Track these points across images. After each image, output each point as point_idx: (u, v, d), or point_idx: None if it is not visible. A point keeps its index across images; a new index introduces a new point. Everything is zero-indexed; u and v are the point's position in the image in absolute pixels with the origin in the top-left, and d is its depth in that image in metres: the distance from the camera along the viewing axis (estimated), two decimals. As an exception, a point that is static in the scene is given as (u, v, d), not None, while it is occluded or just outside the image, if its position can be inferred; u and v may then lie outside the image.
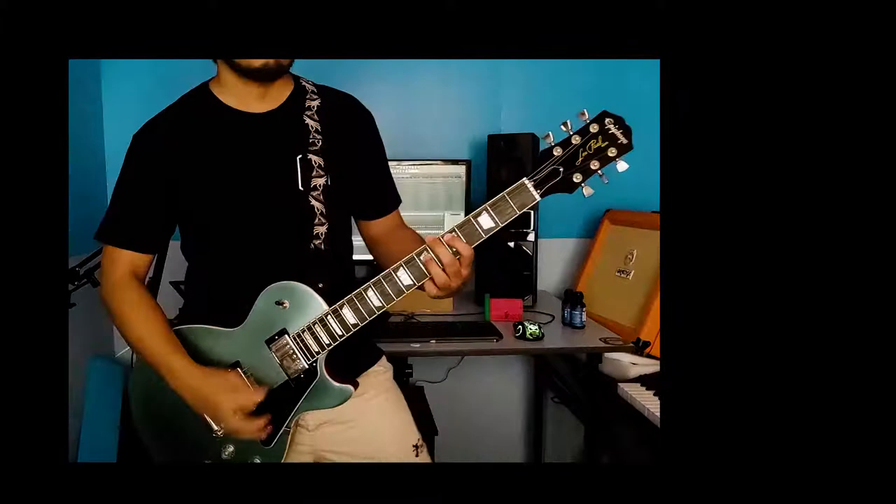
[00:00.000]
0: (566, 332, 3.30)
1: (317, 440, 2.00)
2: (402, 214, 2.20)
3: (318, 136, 1.92)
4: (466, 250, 1.69)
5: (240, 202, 1.88)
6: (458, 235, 1.69)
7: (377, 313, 1.78)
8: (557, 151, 1.68)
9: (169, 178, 1.87)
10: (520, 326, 3.11)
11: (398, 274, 1.73)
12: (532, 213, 3.78)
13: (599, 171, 1.66)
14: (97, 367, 3.71)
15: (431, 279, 1.72)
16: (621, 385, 3.04)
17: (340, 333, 1.79)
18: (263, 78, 1.84)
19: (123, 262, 1.95)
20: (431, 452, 2.77)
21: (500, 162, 3.72)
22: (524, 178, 1.68)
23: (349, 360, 1.94)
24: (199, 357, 1.87)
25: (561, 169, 1.67)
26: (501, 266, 3.67)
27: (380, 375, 2.15)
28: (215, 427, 1.86)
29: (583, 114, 1.72)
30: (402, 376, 2.99)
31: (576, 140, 1.68)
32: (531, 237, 3.73)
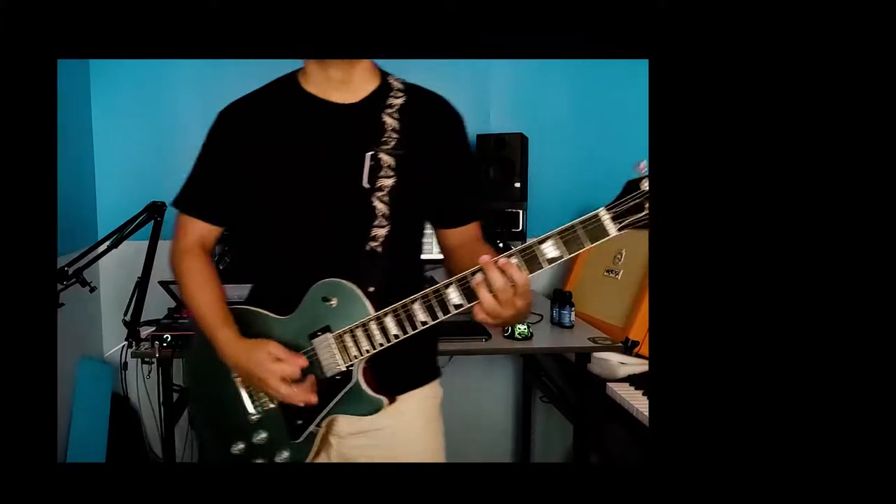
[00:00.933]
0: (555, 332, 3.31)
1: (342, 448, 1.95)
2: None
3: (395, 136, 1.85)
4: (521, 279, 1.56)
5: (301, 190, 1.85)
6: (515, 261, 1.57)
7: (421, 328, 1.69)
8: (646, 185, 1.48)
9: (244, 156, 1.86)
10: (508, 326, 3.11)
11: (448, 291, 1.63)
12: (521, 212, 3.79)
13: None
14: (86, 367, 3.71)
15: (480, 304, 1.59)
16: (610, 385, 3.05)
17: (381, 342, 1.72)
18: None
19: (194, 232, 1.97)
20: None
21: (489, 161, 3.73)
22: (601, 209, 1.53)
23: (395, 373, 1.85)
24: (250, 337, 1.85)
25: (647, 205, 1.48)
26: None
27: (427, 399, 2.05)
28: (251, 410, 1.88)
29: None
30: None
31: None
32: (520, 237, 3.74)
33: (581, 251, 1.54)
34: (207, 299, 1.91)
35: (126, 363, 3.48)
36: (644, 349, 3.15)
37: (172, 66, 3.91)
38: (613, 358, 3.16)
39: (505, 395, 4.41)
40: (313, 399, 1.78)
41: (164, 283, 3.43)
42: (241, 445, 1.92)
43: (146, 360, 3.17)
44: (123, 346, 3.21)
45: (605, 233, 1.51)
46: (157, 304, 3.48)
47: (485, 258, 1.57)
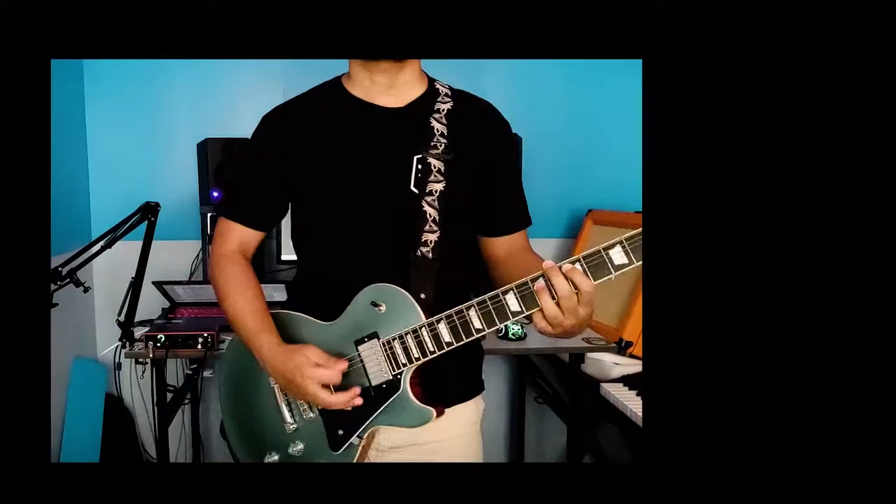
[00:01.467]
0: (549, 333, 3.31)
1: (381, 461, 1.91)
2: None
3: (443, 140, 1.83)
4: (587, 286, 1.50)
5: (349, 194, 1.84)
6: (580, 267, 1.51)
7: (476, 336, 1.63)
8: None
9: (289, 159, 1.85)
10: (502, 326, 3.11)
11: (506, 297, 1.57)
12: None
13: None
14: (80, 367, 3.71)
15: (541, 311, 1.55)
16: (604, 385, 3.05)
17: (432, 350, 1.67)
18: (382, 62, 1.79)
19: (234, 237, 1.96)
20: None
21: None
22: None
23: (443, 384, 1.83)
24: (292, 343, 1.83)
25: None
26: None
27: (471, 415, 2.00)
28: (288, 420, 1.86)
29: None
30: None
31: None
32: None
33: None
34: (248, 305, 1.88)
35: (120, 363, 3.47)
36: (638, 350, 3.15)
37: (167, 66, 3.91)
38: (607, 358, 3.16)
39: (499, 395, 4.40)
40: (357, 402, 1.74)
41: (157, 284, 3.43)
42: (275, 456, 1.90)
43: (140, 360, 3.16)
44: (117, 347, 3.20)
45: None
46: (150, 304, 3.49)
47: (549, 263, 1.53)
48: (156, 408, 3.17)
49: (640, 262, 1.46)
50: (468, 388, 2.00)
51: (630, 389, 2.99)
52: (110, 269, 3.81)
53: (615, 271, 1.49)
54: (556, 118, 4.19)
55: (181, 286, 3.43)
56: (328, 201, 1.86)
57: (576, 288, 1.51)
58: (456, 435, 1.94)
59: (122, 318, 3.14)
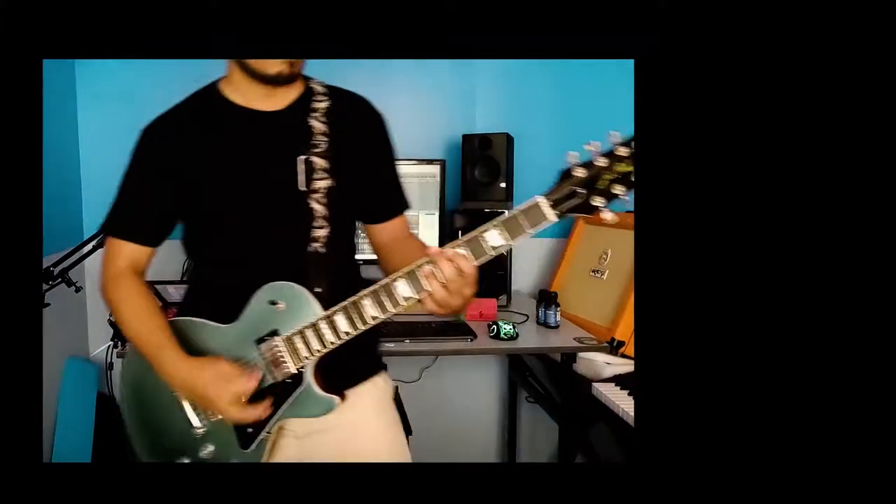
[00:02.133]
0: (540, 332, 3.31)
1: (305, 448, 1.94)
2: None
3: (324, 139, 1.88)
4: (469, 268, 1.61)
5: (239, 199, 1.86)
6: (462, 251, 1.61)
7: (372, 324, 1.71)
8: (579, 172, 1.54)
9: (172, 172, 1.85)
10: (494, 326, 3.11)
11: (396, 285, 1.66)
12: (506, 212, 3.78)
13: (624, 196, 1.52)
14: (72, 367, 3.70)
15: (430, 294, 1.64)
16: (595, 385, 3.05)
17: (332, 341, 1.73)
18: (276, 83, 1.81)
19: (124, 255, 1.95)
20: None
21: (474, 162, 3.73)
22: (538, 196, 1.59)
23: (342, 369, 1.87)
24: (193, 350, 1.83)
25: (580, 190, 1.54)
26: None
27: (377, 391, 2.06)
28: (196, 424, 1.86)
29: (612, 135, 1.51)
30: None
31: (601, 162, 1.51)
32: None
33: (523, 238, 1.59)
34: (147, 322, 1.88)
35: (112, 363, 3.46)
36: (630, 349, 3.15)
37: (160, 66, 3.90)
38: (599, 358, 3.16)
39: (491, 395, 4.40)
40: (266, 414, 1.79)
41: (148, 284, 3.42)
42: (185, 461, 1.90)
43: (131, 360, 3.16)
44: (109, 346, 3.19)
45: (545, 217, 1.58)
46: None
47: (434, 249, 1.63)
48: (147, 407, 3.15)
49: (515, 240, 1.60)
50: (367, 368, 2.06)
51: (622, 389, 2.98)
52: (102, 269, 3.79)
53: (493, 252, 1.61)
54: (547, 117, 4.19)
55: (173, 286, 3.42)
56: (218, 209, 1.87)
57: (460, 270, 1.60)
58: (363, 412, 1.99)
59: (113, 318, 3.13)
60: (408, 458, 2.04)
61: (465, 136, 3.77)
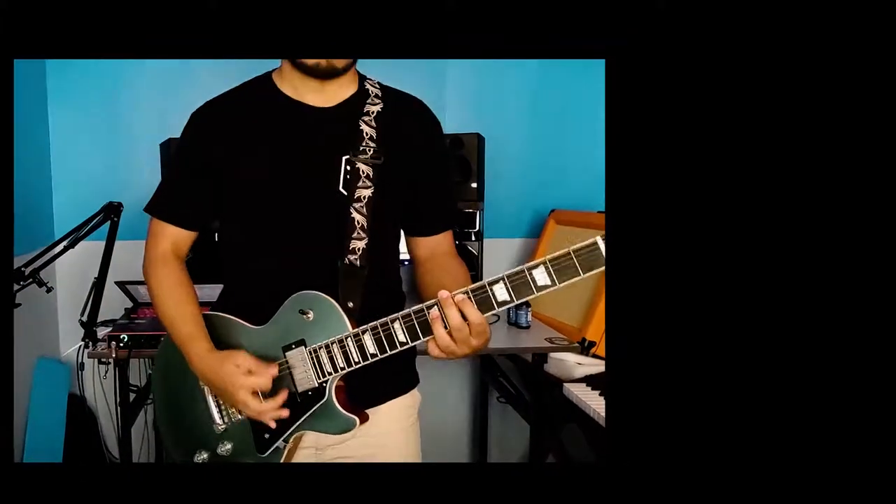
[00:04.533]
0: (511, 332, 3.32)
1: (323, 461, 1.91)
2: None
3: (372, 144, 1.81)
4: (477, 318, 1.53)
5: (276, 194, 1.82)
6: (468, 298, 1.54)
7: (400, 348, 1.64)
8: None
9: (217, 157, 1.82)
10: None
11: (431, 312, 1.57)
12: (478, 213, 3.80)
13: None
14: (43, 367, 3.69)
15: (432, 340, 1.58)
16: (567, 385, 3.06)
17: (357, 360, 1.67)
18: (317, 75, 1.77)
19: (166, 237, 1.93)
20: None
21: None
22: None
23: (368, 389, 1.84)
24: (222, 346, 1.82)
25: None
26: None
27: (402, 409, 2.01)
28: (217, 420, 1.86)
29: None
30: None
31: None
32: (476, 237, 3.75)
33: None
34: (179, 310, 1.87)
35: (83, 363, 3.45)
36: (601, 349, 3.17)
37: (130, 66, 3.89)
38: (570, 358, 3.18)
39: (461, 395, 4.41)
40: (283, 414, 1.74)
41: (120, 284, 3.42)
42: (203, 455, 1.89)
43: (103, 360, 3.15)
44: (80, 347, 3.19)
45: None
46: (113, 304, 3.47)
47: (443, 294, 1.55)
48: (119, 408, 3.17)
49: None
50: (398, 385, 2.01)
51: (593, 389, 3.00)
52: (73, 270, 3.78)
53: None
54: (519, 117, 4.21)
55: (144, 286, 3.42)
56: (255, 201, 1.84)
57: (465, 319, 1.53)
58: (387, 430, 1.95)
59: (84, 318, 3.13)
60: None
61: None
